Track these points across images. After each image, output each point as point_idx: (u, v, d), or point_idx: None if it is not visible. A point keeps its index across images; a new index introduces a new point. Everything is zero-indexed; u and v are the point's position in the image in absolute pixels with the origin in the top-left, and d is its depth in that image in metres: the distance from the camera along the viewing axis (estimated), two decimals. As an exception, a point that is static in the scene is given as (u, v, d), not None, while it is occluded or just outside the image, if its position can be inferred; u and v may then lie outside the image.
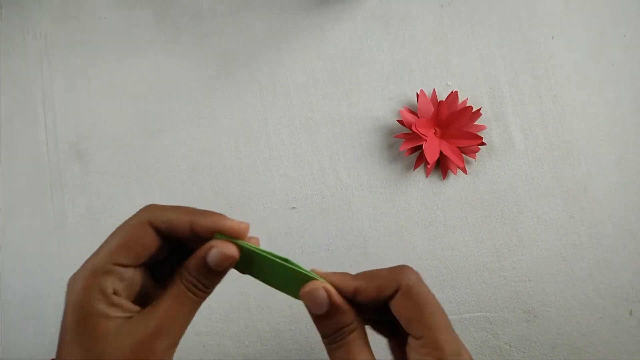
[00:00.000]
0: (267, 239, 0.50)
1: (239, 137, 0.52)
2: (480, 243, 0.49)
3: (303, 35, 0.53)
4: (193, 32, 0.55)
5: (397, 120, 0.50)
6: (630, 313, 0.47)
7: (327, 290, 0.27)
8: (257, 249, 0.28)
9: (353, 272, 0.29)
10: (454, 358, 0.26)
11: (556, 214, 0.49)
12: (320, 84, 0.52)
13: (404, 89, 0.52)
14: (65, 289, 0.27)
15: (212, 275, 0.28)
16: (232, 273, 0.30)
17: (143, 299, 0.28)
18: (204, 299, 0.28)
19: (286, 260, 0.28)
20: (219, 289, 0.54)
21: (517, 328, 0.47)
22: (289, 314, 0.49)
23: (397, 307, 0.27)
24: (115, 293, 0.26)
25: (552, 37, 0.51)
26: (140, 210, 0.28)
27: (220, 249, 0.27)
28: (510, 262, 0.48)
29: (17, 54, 0.56)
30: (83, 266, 0.27)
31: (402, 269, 0.28)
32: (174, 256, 0.30)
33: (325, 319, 0.28)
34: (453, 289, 0.48)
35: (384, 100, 0.52)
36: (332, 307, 0.27)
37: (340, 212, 0.50)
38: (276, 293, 0.50)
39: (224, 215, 0.28)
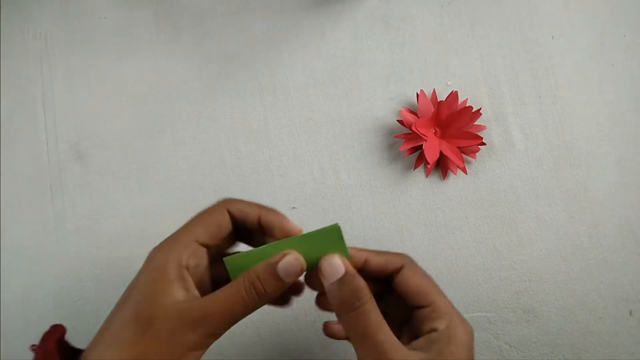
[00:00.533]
0: (267, 239, 0.50)
1: (239, 137, 0.52)
2: (480, 243, 0.49)
3: (303, 35, 0.53)
4: (193, 32, 0.55)
5: (397, 120, 0.50)
6: (630, 313, 0.47)
7: (341, 258, 0.30)
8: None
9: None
10: (460, 319, 0.31)
11: (556, 214, 0.49)
12: (320, 84, 0.52)
13: (404, 89, 0.52)
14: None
15: (275, 282, 0.29)
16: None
17: (202, 290, 0.30)
18: (257, 305, 0.29)
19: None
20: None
21: (517, 328, 0.47)
22: (289, 314, 0.49)
23: (405, 279, 0.31)
24: (187, 268, 0.29)
25: (552, 37, 0.51)
26: (220, 200, 0.32)
27: (295, 255, 0.30)
28: (510, 262, 0.48)
29: (17, 54, 0.56)
30: (168, 239, 0.30)
31: (402, 253, 0.33)
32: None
33: (342, 285, 0.29)
34: (453, 289, 0.48)
35: (384, 100, 0.52)
36: (347, 272, 0.29)
37: (340, 212, 0.50)
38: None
39: (286, 217, 0.32)
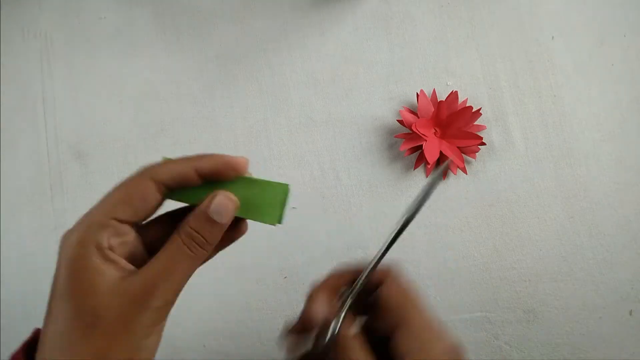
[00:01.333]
0: (267, 239, 0.50)
1: (239, 137, 0.52)
2: (480, 243, 0.49)
3: (303, 35, 0.53)
4: (193, 32, 0.55)
5: (397, 120, 0.50)
6: (630, 313, 0.47)
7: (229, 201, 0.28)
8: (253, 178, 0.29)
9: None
10: (438, 338, 0.29)
11: (556, 214, 0.49)
12: (320, 84, 0.52)
13: (404, 89, 0.52)
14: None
15: (211, 227, 0.27)
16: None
17: (138, 262, 0.27)
18: (202, 257, 0.27)
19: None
20: (218, 289, 0.54)
21: (517, 328, 0.47)
22: (289, 314, 0.49)
23: (384, 295, 0.29)
24: (111, 249, 0.26)
25: (552, 37, 0.51)
26: (142, 168, 0.28)
27: (224, 194, 0.27)
28: (510, 262, 0.48)
29: (17, 54, 0.56)
30: (79, 220, 0.27)
31: (389, 265, 0.31)
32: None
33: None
34: (453, 289, 0.48)
35: (384, 100, 0.52)
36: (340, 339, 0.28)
37: (340, 212, 0.50)
38: (276, 293, 0.50)
39: (223, 154, 0.28)
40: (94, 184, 0.53)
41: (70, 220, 0.53)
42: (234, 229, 0.30)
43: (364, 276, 0.29)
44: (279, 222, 0.29)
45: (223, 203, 0.27)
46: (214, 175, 0.28)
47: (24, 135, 0.54)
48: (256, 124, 0.52)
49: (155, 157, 0.56)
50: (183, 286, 0.27)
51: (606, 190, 0.48)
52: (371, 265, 0.29)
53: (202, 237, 0.27)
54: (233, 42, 0.54)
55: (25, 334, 0.54)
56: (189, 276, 0.27)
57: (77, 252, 0.25)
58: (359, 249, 0.49)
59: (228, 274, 0.50)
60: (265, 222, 0.28)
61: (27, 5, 0.57)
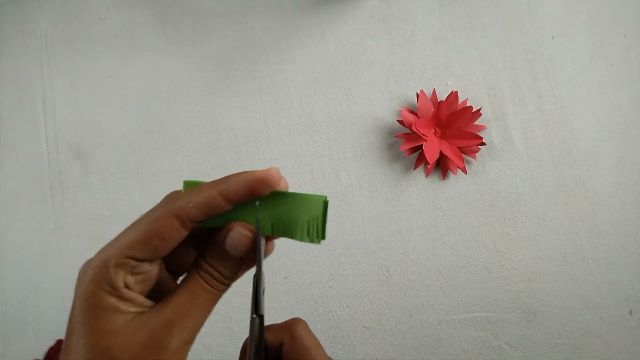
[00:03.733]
0: (267, 239, 0.50)
1: (239, 137, 0.52)
2: (480, 243, 0.49)
3: (303, 35, 0.53)
4: (193, 32, 0.55)
5: (397, 120, 0.50)
6: (630, 313, 0.47)
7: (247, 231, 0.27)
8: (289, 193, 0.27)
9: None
10: None
11: (556, 214, 0.49)
12: (320, 84, 0.52)
13: (404, 89, 0.52)
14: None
15: (230, 263, 0.26)
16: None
17: (160, 295, 0.26)
18: (222, 291, 0.26)
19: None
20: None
21: (517, 328, 0.47)
22: (289, 315, 0.49)
23: (288, 350, 0.28)
24: (127, 286, 0.25)
25: (552, 37, 0.51)
26: (165, 199, 0.26)
27: (238, 229, 0.26)
28: (510, 262, 0.48)
29: (17, 54, 0.56)
30: (96, 255, 0.25)
31: (293, 321, 0.29)
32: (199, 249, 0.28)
33: None
34: (453, 289, 0.48)
35: (384, 100, 0.52)
36: None
37: (340, 212, 0.50)
38: (276, 293, 0.50)
39: (251, 171, 0.26)
40: (94, 184, 0.53)
41: (70, 220, 0.54)
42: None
43: (252, 339, 0.28)
44: (322, 239, 0.26)
45: (238, 238, 0.26)
46: (246, 198, 0.26)
47: (24, 135, 0.54)
48: (256, 124, 0.52)
49: (155, 157, 0.56)
50: (202, 323, 0.26)
51: (606, 190, 0.48)
52: (249, 330, 0.28)
53: (219, 272, 0.26)
54: (233, 42, 0.54)
55: (25, 334, 0.54)
56: (209, 312, 0.26)
57: (91, 289, 0.24)
58: (359, 249, 0.49)
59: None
60: (304, 241, 0.26)
61: (27, 5, 0.57)
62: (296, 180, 0.51)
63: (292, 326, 0.29)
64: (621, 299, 0.47)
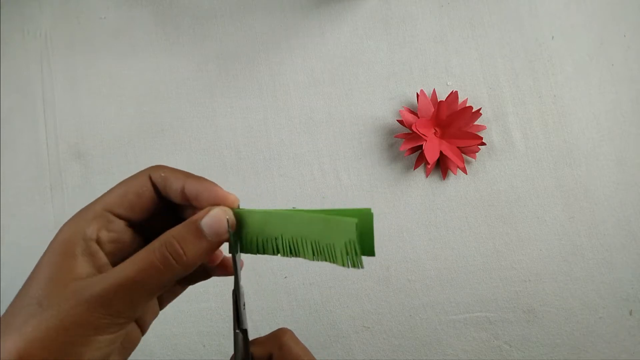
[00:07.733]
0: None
1: (239, 137, 0.52)
2: (480, 243, 0.49)
3: (303, 35, 0.53)
4: (193, 32, 0.55)
5: (397, 120, 0.50)
6: (630, 313, 0.47)
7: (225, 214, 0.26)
8: (260, 211, 0.25)
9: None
10: None
11: (556, 214, 0.49)
12: (320, 84, 0.52)
13: (404, 89, 0.52)
14: None
15: (197, 241, 0.24)
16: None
17: None
18: (173, 274, 0.23)
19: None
20: (218, 289, 0.54)
21: (517, 328, 0.47)
22: (289, 314, 0.49)
23: None
24: (99, 242, 0.25)
25: (552, 37, 0.51)
26: (148, 167, 0.28)
27: (224, 210, 0.25)
28: (510, 262, 0.48)
29: (17, 54, 0.56)
30: (79, 211, 0.26)
31: (280, 331, 0.29)
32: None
33: None
34: (453, 289, 0.48)
35: (384, 100, 0.52)
36: None
37: (340, 212, 0.50)
38: (276, 293, 0.50)
39: (217, 185, 0.26)
40: (94, 184, 0.53)
41: (70, 220, 0.53)
42: (219, 267, 0.28)
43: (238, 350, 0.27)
44: (361, 265, 0.23)
45: (219, 217, 0.24)
46: (195, 200, 0.26)
47: (24, 135, 0.54)
48: (256, 124, 0.52)
49: (155, 157, 0.56)
50: (147, 301, 0.23)
51: (606, 190, 0.48)
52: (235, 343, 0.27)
53: (182, 250, 0.23)
54: (233, 42, 0.54)
55: (25, 334, 0.53)
56: (155, 291, 0.23)
57: (66, 237, 0.24)
58: (359, 249, 0.49)
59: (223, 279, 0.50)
60: (348, 266, 0.23)
61: (27, 5, 0.56)
62: (296, 180, 0.51)
63: (279, 337, 0.28)
64: (621, 299, 0.47)
